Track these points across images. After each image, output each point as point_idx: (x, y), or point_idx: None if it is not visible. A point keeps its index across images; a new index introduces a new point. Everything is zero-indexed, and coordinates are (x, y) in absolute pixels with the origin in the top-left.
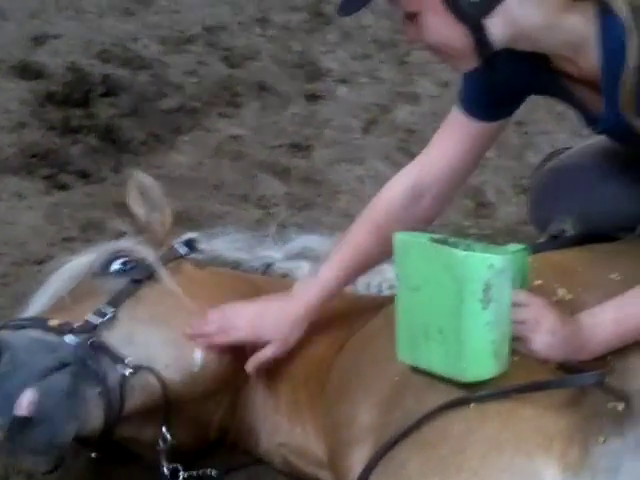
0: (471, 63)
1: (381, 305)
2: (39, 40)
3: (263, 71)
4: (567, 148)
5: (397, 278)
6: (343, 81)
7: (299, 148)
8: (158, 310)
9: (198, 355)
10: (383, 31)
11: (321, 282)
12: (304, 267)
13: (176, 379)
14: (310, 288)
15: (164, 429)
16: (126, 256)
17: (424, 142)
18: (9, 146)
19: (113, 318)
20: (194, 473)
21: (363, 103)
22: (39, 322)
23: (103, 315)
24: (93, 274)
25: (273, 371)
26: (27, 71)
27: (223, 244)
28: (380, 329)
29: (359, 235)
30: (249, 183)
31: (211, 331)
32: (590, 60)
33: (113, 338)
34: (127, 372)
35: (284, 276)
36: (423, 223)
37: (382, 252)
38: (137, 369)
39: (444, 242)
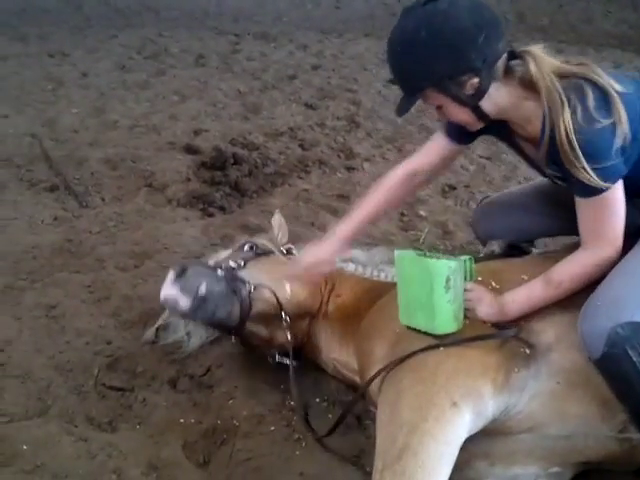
0: (478, 126)
1: (388, 287)
2: (197, 132)
3: (322, 153)
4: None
5: (397, 276)
6: (367, 160)
7: (342, 197)
8: (267, 266)
9: (288, 289)
10: (389, 132)
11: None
12: (351, 267)
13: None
14: (341, 230)
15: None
16: (257, 244)
17: (415, 197)
18: (181, 192)
19: (243, 265)
20: (285, 360)
21: (378, 173)
22: (204, 264)
23: (238, 263)
24: (236, 250)
25: (332, 317)
26: (190, 149)
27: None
28: (389, 301)
29: (374, 197)
30: (314, 216)
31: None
32: (535, 128)
33: (243, 274)
34: (252, 287)
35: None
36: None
37: (385, 209)
38: (257, 286)
39: (424, 254)
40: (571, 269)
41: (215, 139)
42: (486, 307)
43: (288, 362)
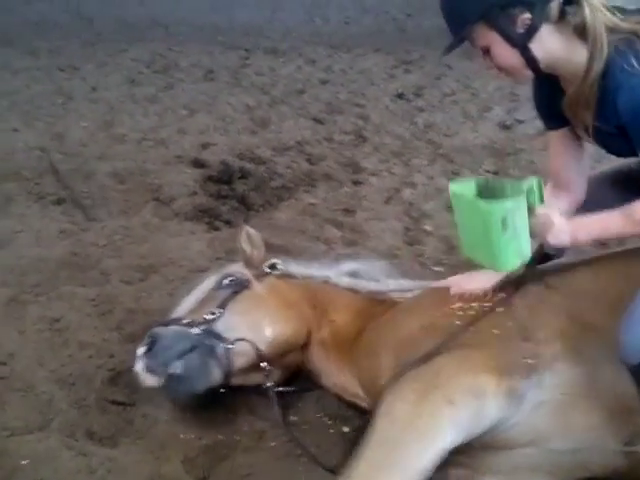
0: (526, 75)
1: (384, 303)
2: (205, 146)
3: (329, 168)
4: None
5: (454, 210)
6: (373, 174)
7: (348, 211)
8: (246, 308)
9: (269, 332)
10: (396, 147)
11: None
12: (346, 280)
13: (260, 347)
14: None
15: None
16: (232, 276)
17: (420, 211)
18: (187, 205)
19: (220, 315)
20: (282, 389)
21: (384, 187)
22: (177, 321)
23: (214, 314)
24: (213, 288)
25: (327, 343)
26: (197, 163)
27: (298, 266)
28: (388, 320)
29: None
30: (320, 230)
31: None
32: None
33: (220, 327)
34: (229, 345)
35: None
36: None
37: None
38: (235, 342)
39: (486, 183)
40: None
41: (223, 153)
42: (556, 232)
43: (287, 389)
